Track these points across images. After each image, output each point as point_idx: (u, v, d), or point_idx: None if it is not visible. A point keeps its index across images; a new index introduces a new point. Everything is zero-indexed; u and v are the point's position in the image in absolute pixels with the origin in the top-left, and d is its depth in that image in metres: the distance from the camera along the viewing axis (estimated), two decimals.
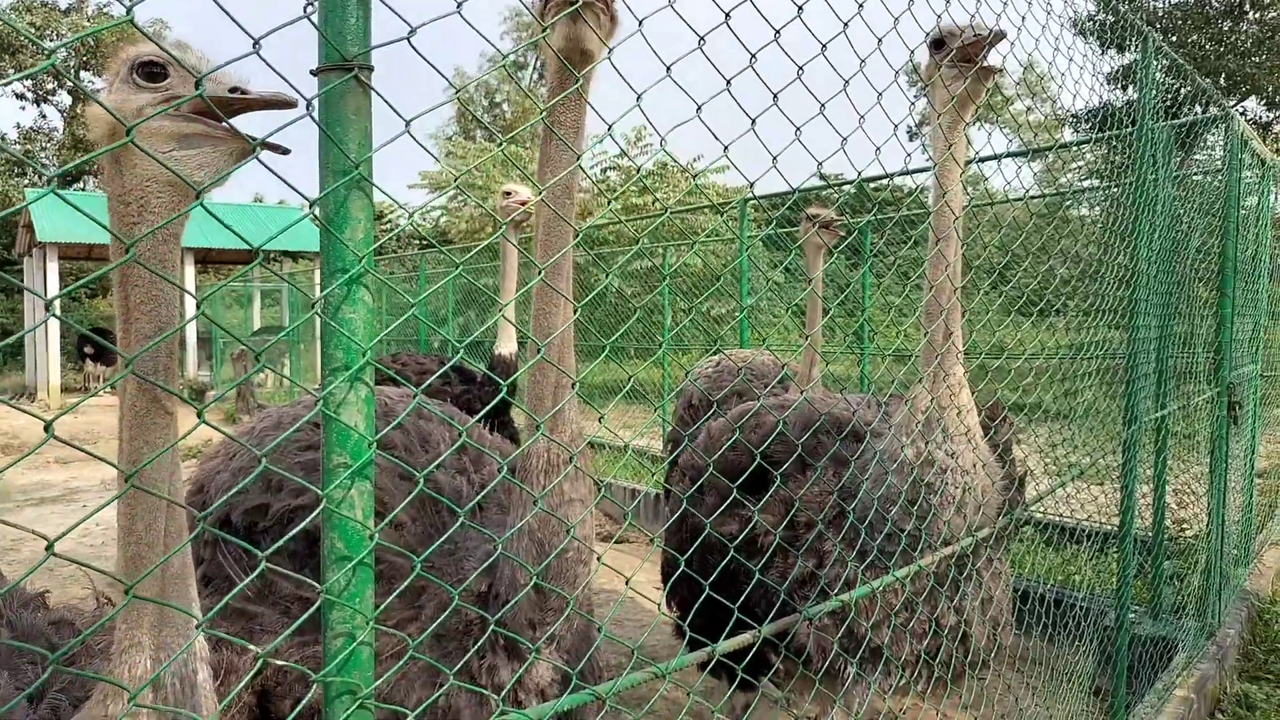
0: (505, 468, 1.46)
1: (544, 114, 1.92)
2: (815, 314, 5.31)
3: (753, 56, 1.91)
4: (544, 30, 1.80)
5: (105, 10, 35.15)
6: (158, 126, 1.38)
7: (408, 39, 1.30)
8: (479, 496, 1.59)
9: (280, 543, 1.22)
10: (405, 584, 1.41)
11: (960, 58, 2.54)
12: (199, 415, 1.02)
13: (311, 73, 1.26)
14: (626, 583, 1.48)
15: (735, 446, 3.03)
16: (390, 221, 31.14)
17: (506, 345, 5.98)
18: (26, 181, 35.04)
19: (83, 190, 32.63)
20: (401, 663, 1.31)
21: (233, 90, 1.39)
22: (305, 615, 1.15)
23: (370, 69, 1.26)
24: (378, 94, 1.26)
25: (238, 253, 22.51)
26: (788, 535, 2.72)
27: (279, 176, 1.14)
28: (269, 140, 1.34)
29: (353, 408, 1.21)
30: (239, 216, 22.22)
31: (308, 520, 1.18)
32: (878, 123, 2.32)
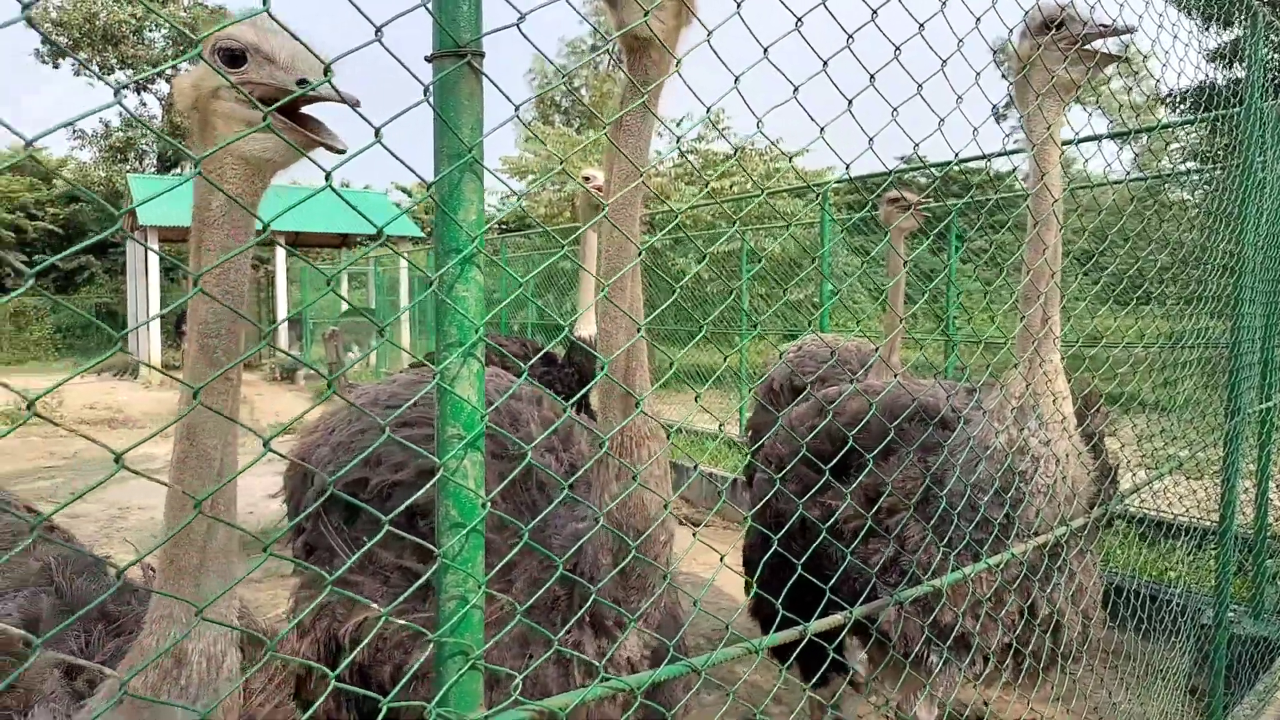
0: (606, 443, 1.50)
1: (634, 103, 1.94)
2: (898, 299, 5.24)
3: (850, 37, 1.90)
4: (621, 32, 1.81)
5: (200, 1, 36.42)
6: (230, 109, 1.42)
7: (517, 25, 1.33)
8: (575, 477, 1.63)
9: (395, 513, 1.27)
10: (506, 559, 1.45)
11: (1073, 43, 2.49)
12: (329, 385, 1.07)
13: (426, 59, 1.31)
14: (721, 559, 1.51)
15: (817, 432, 3.03)
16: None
17: (586, 328, 6.04)
18: (128, 167, 36.72)
19: (179, 176, 34.03)
20: (508, 627, 1.36)
21: (300, 83, 1.38)
22: (424, 578, 1.21)
23: (482, 55, 1.30)
24: (489, 79, 1.31)
25: (326, 236, 23.19)
26: (871, 521, 2.71)
27: (399, 159, 1.19)
28: (331, 142, 1.35)
29: (466, 382, 1.26)
30: (323, 201, 22.89)
31: (419, 493, 1.23)
32: (965, 103, 2.26)
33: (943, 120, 2.17)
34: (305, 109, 1.40)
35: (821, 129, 1.85)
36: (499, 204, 27.15)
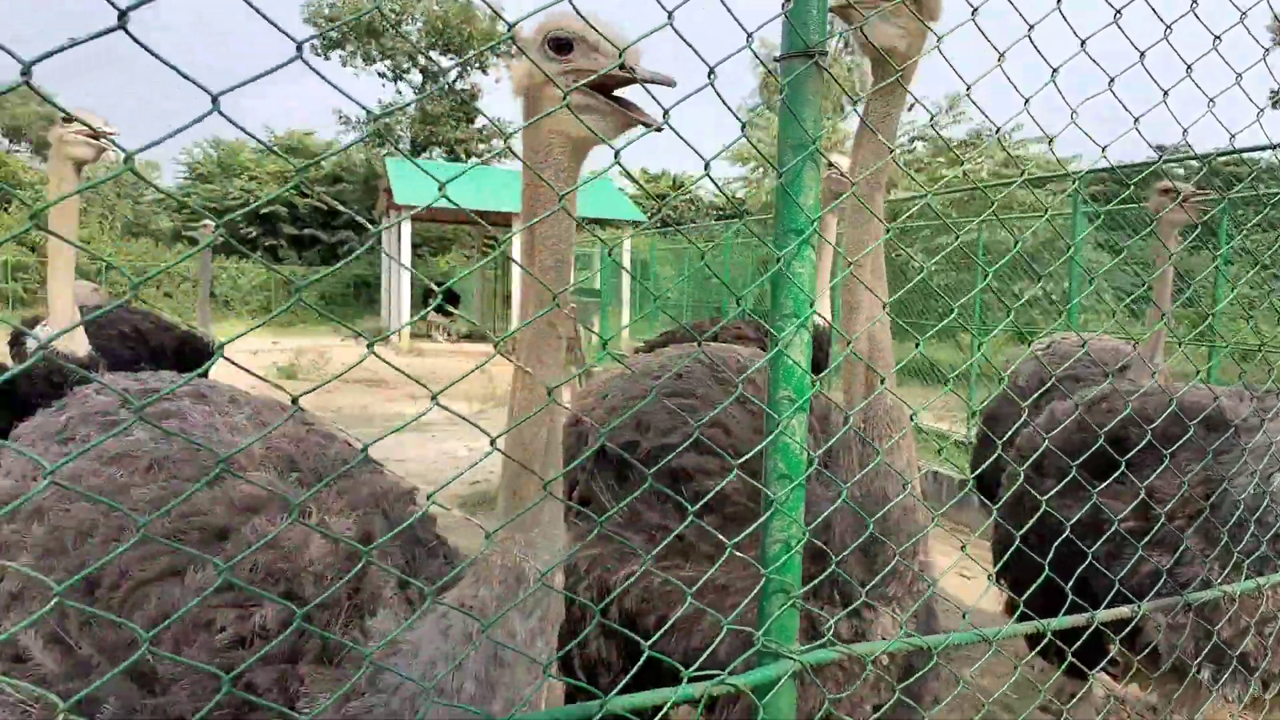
0: (912, 420, 1.59)
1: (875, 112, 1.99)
2: (1164, 297, 4.91)
3: (1168, 28, 1.87)
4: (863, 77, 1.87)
5: None
6: (557, 94, 1.53)
7: (860, 29, 1.45)
8: (873, 457, 1.72)
9: (730, 469, 1.43)
10: (823, 515, 1.58)
11: None
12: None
13: (775, 59, 1.45)
14: (1000, 546, 1.57)
15: (1084, 429, 2.95)
16: (689, 191, 32.21)
17: (818, 315, 6.09)
18: (385, 151, 40.16)
19: (429, 159, 36.88)
20: (818, 579, 1.49)
21: (621, 68, 1.49)
22: (756, 523, 1.36)
23: (826, 54, 1.43)
24: (831, 77, 1.43)
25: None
26: (1142, 525, 2.62)
27: (754, 146, 1.34)
28: (649, 120, 1.49)
29: (797, 349, 1.40)
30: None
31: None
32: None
33: (1261, 111, 2.07)
34: (618, 91, 1.54)
35: (1135, 119, 1.84)
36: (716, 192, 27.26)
